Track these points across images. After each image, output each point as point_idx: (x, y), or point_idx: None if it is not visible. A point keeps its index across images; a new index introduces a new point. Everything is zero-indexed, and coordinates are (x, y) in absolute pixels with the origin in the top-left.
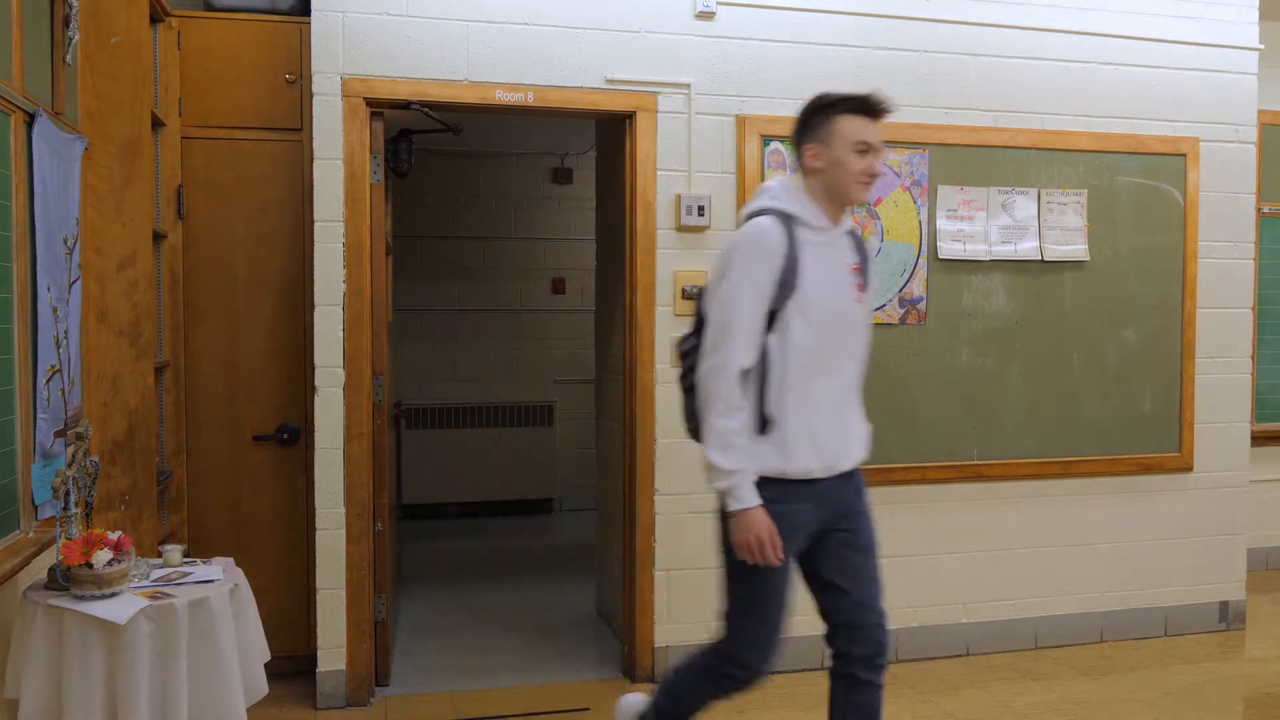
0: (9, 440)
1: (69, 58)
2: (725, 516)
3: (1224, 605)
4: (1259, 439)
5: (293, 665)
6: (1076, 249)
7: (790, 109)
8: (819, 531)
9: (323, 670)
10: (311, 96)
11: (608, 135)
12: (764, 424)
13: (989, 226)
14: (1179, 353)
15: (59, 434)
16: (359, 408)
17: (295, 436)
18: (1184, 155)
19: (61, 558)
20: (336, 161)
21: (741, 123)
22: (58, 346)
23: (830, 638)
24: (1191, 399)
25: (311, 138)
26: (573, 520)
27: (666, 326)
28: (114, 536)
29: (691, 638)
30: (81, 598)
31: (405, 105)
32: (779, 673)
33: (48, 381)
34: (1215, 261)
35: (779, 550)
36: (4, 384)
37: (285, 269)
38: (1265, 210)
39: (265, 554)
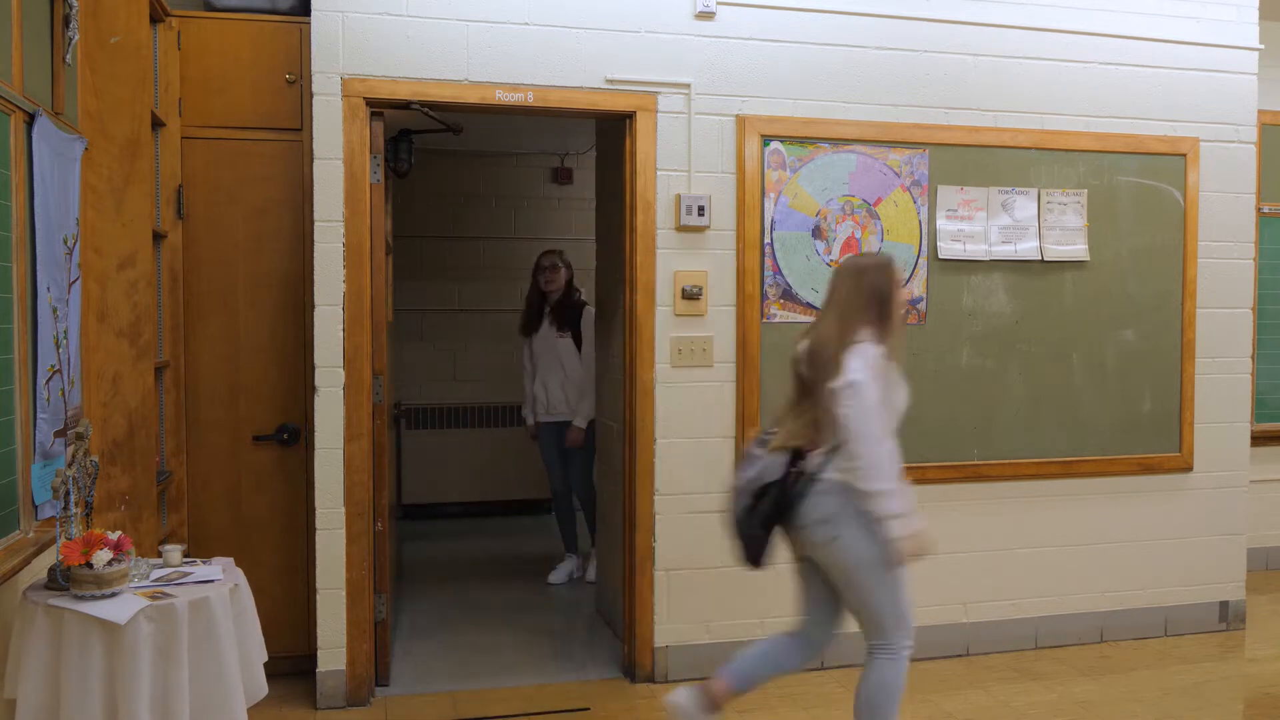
0: (9, 440)
1: (69, 58)
2: None
3: (1224, 605)
4: (1259, 439)
5: (293, 665)
6: (1076, 249)
7: (790, 109)
8: None
9: (323, 670)
10: (311, 96)
11: (608, 135)
12: None
13: (989, 226)
14: (1179, 353)
15: (59, 434)
16: (359, 408)
17: (295, 436)
18: (1184, 155)
19: (61, 558)
20: (336, 161)
21: (741, 123)
22: (58, 346)
23: None
24: (1191, 399)
25: (311, 138)
26: None
27: (666, 326)
28: (114, 536)
29: (691, 637)
30: (81, 598)
31: (405, 105)
32: None
33: (48, 381)
34: (1215, 261)
35: None
36: (4, 384)
37: (285, 269)
38: (1265, 210)
39: (265, 554)
